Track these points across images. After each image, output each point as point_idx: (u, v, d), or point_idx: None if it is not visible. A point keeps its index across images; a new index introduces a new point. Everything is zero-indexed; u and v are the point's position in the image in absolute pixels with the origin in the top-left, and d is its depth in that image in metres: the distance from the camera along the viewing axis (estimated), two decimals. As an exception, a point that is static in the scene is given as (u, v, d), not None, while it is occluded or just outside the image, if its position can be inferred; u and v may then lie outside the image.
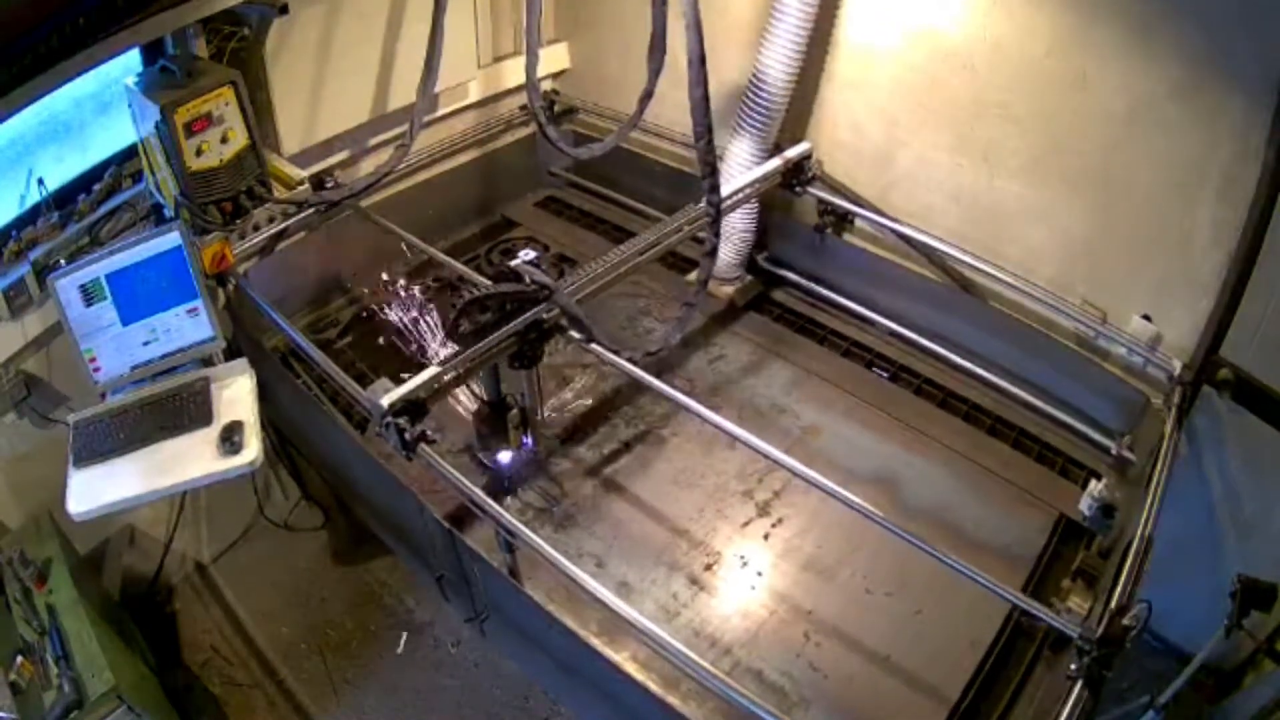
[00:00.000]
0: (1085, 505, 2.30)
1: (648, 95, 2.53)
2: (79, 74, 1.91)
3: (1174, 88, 2.22)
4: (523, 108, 3.58)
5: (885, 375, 2.94)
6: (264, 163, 2.47)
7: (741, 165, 2.89)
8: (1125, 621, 1.68)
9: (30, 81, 1.78)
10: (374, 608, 3.25)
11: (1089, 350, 2.68)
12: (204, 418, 2.23)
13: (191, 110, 2.21)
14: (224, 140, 2.31)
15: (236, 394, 2.31)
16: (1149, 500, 2.05)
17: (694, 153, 2.15)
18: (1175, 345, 2.49)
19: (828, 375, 2.92)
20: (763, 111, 2.75)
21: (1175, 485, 2.15)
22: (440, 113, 3.32)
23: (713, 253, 2.41)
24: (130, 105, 2.29)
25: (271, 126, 2.72)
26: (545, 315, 2.28)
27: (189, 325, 2.35)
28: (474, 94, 3.41)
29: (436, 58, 2.67)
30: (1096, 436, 2.62)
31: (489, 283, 2.32)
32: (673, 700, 1.85)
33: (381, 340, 3.03)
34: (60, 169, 2.43)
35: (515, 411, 2.44)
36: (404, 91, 2.93)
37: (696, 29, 1.94)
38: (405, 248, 3.05)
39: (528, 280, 2.26)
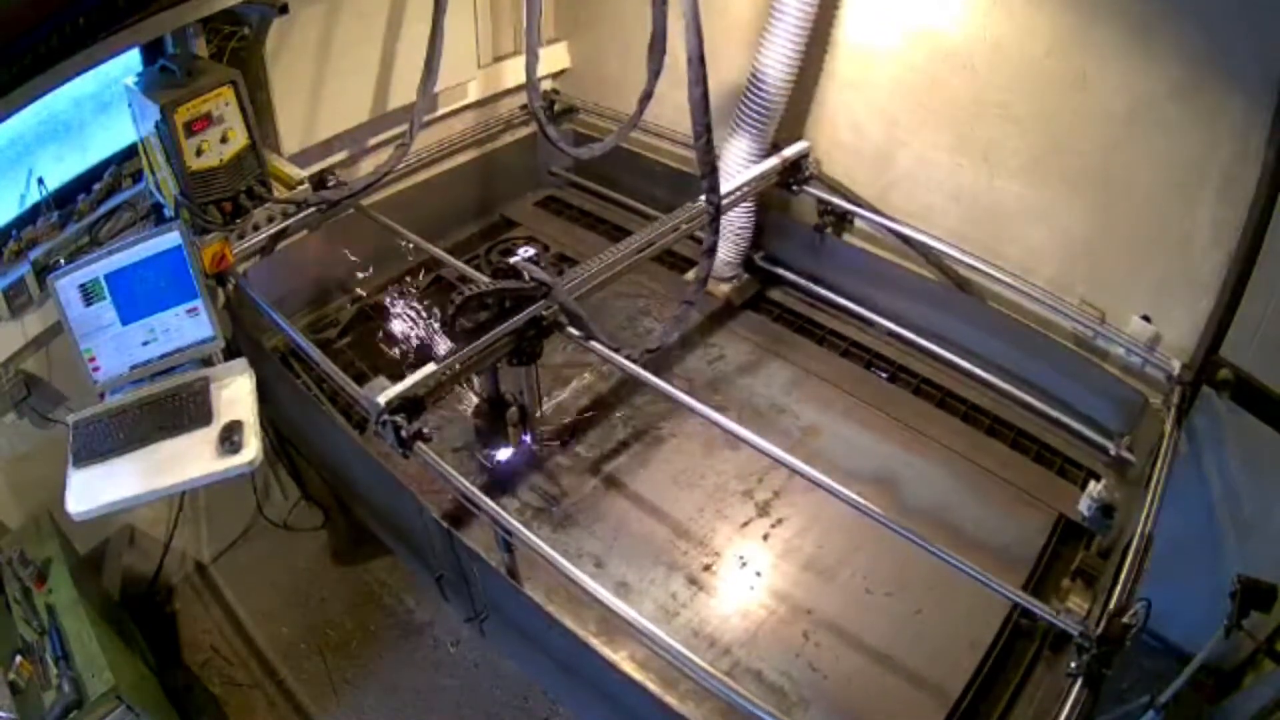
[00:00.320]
0: (1084, 505, 2.30)
1: (648, 95, 2.53)
2: (79, 74, 1.91)
3: (1174, 88, 2.22)
4: (523, 107, 3.58)
5: (884, 375, 2.94)
6: (264, 162, 2.47)
7: (739, 164, 2.89)
8: (1125, 620, 1.68)
9: (30, 81, 1.78)
10: (374, 608, 3.25)
11: (1088, 350, 2.68)
12: (203, 417, 2.23)
13: (191, 110, 2.21)
14: (224, 140, 2.31)
15: (236, 394, 2.31)
16: (1148, 500, 2.05)
17: (694, 152, 2.15)
18: (1175, 345, 2.49)
19: (827, 375, 2.92)
20: (761, 110, 2.75)
21: (1175, 485, 2.15)
22: (440, 112, 3.32)
23: (711, 251, 2.41)
24: (130, 105, 2.29)
25: (271, 126, 2.72)
26: (544, 312, 2.29)
27: (188, 325, 2.35)
28: (474, 94, 3.41)
29: (436, 58, 2.67)
30: (1096, 437, 2.62)
31: (488, 280, 2.32)
32: (671, 700, 1.85)
33: (382, 340, 3.03)
34: (60, 169, 2.43)
35: (514, 409, 2.44)
36: (404, 91, 2.93)
37: (696, 28, 1.94)
38: (407, 246, 3.05)
39: (527, 277, 2.26)
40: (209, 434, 2.19)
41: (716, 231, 2.37)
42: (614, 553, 2.36)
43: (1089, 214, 2.54)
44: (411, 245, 2.96)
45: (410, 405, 2.08)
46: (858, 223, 3.01)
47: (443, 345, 2.77)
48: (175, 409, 2.25)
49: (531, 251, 2.33)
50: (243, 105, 2.31)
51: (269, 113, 2.69)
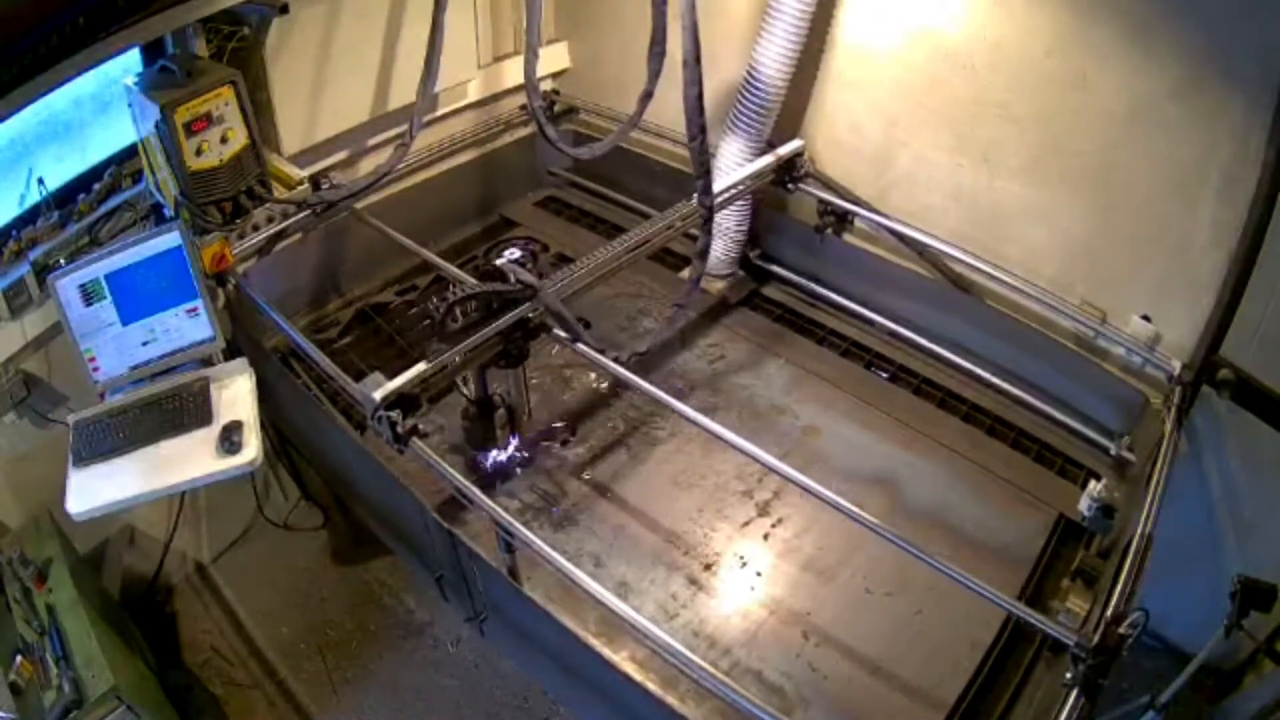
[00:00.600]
0: (1085, 506, 2.30)
1: (647, 95, 2.53)
2: (79, 74, 1.90)
3: (1174, 88, 2.22)
4: (522, 107, 3.57)
5: (885, 375, 2.94)
6: (264, 162, 2.47)
7: (734, 162, 2.89)
8: (1121, 630, 1.68)
9: (30, 81, 1.78)
10: (374, 608, 3.25)
11: (1089, 350, 2.68)
12: (203, 418, 2.23)
13: (191, 110, 2.21)
14: (224, 140, 2.31)
15: (236, 394, 2.31)
16: (1148, 500, 2.05)
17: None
18: (1175, 345, 2.49)
19: (827, 375, 2.92)
20: (757, 109, 2.76)
21: (1175, 485, 2.15)
22: (440, 112, 3.32)
23: (704, 253, 2.41)
24: (130, 105, 2.29)
25: (271, 126, 2.72)
26: (530, 315, 2.29)
27: (188, 325, 2.35)
28: (474, 94, 3.41)
29: (436, 58, 2.67)
30: (1096, 437, 2.62)
31: (475, 282, 2.33)
32: (671, 700, 1.85)
33: (381, 339, 3.03)
34: (60, 169, 2.43)
35: (501, 411, 2.44)
36: (404, 91, 2.93)
37: (693, 29, 1.94)
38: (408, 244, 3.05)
39: (512, 279, 2.26)
40: (209, 434, 2.19)
41: (709, 233, 2.37)
42: (614, 553, 2.36)
43: (1089, 214, 2.54)
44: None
45: (405, 401, 2.08)
46: (857, 222, 3.00)
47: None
48: (175, 409, 2.25)
49: (518, 253, 2.33)
50: (243, 105, 2.31)
51: (269, 113, 2.69)
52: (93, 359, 2.27)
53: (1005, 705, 2.04)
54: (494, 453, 2.54)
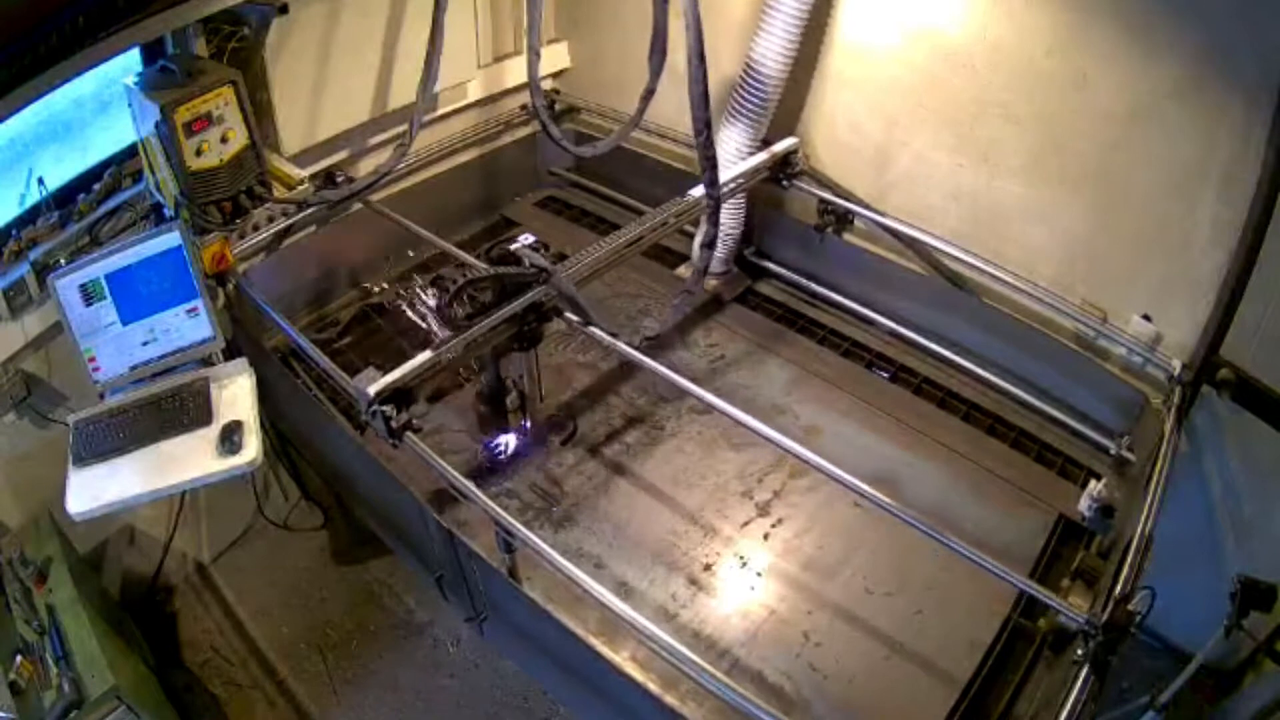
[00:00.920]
0: (1085, 505, 2.30)
1: (649, 93, 2.53)
2: (79, 74, 1.90)
3: (1174, 87, 2.22)
4: (523, 107, 3.58)
5: (885, 375, 2.94)
6: (264, 162, 2.47)
7: (731, 158, 2.89)
8: (1130, 607, 1.68)
9: (30, 81, 1.78)
10: (374, 608, 3.25)
11: (1089, 350, 2.68)
12: (203, 418, 2.23)
13: (191, 110, 2.21)
14: (224, 140, 2.31)
15: (236, 394, 2.31)
16: (1148, 500, 2.05)
17: (694, 151, 2.15)
18: (1175, 345, 2.49)
19: (827, 375, 2.92)
20: (755, 105, 2.76)
21: (1175, 485, 2.15)
22: (440, 112, 3.32)
23: (712, 244, 2.42)
24: (130, 105, 2.29)
25: (272, 126, 2.72)
26: (543, 298, 2.29)
27: (189, 325, 2.35)
28: (474, 93, 3.41)
29: (436, 57, 2.67)
30: (1096, 436, 2.62)
31: (485, 266, 2.33)
32: (672, 700, 1.85)
33: (383, 338, 3.03)
34: (60, 169, 2.43)
35: (514, 395, 2.46)
36: (404, 91, 2.93)
37: (696, 28, 1.94)
38: (410, 243, 3.05)
39: (526, 263, 2.27)
40: (209, 434, 2.19)
41: (716, 225, 2.38)
42: (614, 553, 2.36)
43: (1089, 214, 2.54)
44: (414, 243, 2.96)
45: (400, 396, 2.08)
46: (857, 222, 3.00)
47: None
48: (175, 409, 2.25)
49: (532, 239, 2.34)
50: (243, 105, 2.30)
51: (269, 113, 2.69)
52: (93, 359, 2.27)
53: (1005, 704, 2.04)
54: (505, 437, 2.54)
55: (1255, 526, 2.57)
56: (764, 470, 2.56)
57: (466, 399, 2.72)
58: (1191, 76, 2.18)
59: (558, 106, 3.63)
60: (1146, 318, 2.53)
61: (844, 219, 3.01)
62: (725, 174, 2.79)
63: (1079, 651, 1.74)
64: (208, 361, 2.42)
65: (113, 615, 2.66)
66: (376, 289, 3.18)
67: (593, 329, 2.35)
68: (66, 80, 1.89)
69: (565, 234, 3.57)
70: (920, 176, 2.84)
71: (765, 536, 2.41)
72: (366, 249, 3.21)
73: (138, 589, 3.09)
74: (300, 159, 2.83)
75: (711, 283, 3.23)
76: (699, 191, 2.57)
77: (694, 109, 2.04)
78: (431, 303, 2.37)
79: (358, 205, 2.95)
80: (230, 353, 2.48)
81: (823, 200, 2.98)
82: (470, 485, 2.05)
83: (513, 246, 2.32)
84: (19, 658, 2.13)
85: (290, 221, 2.71)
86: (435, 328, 2.31)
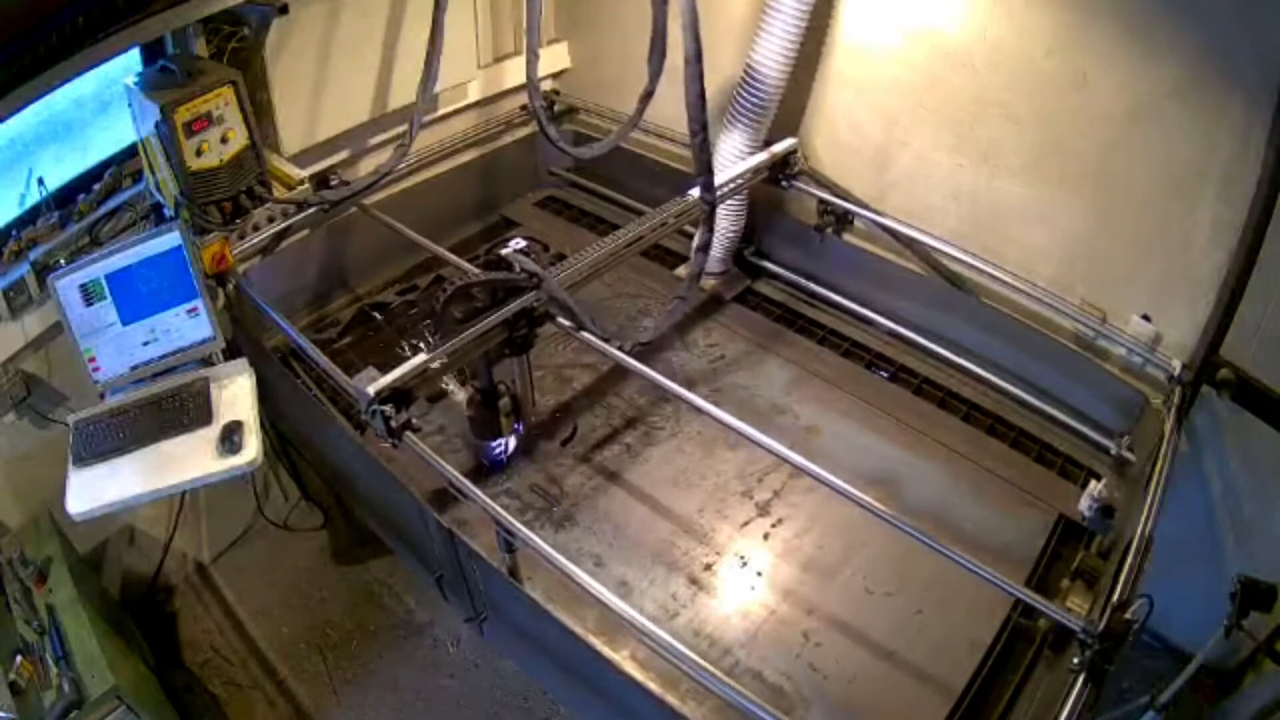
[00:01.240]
0: (1085, 506, 2.30)
1: (648, 95, 2.53)
2: (79, 74, 1.90)
3: (1174, 88, 2.22)
4: (523, 107, 3.58)
5: (885, 375, 2.94)
6: (264, 162, 2.47)
7: (731, 159, 2.89)
8: (1127, 615, 1.68)
9: (30, 81, 1.78)
10: (374, 608, 3.25)
11: (1089, 350, 2.68)
12: (204, 418, 2.23)
13: (191, 110, 2.21)
14: (224, 140, 2.31)
15: (236, 394, 2.31)
16: (1148, 500, 2.04)
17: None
18: (1175, 345, 2.49)
19: (827, 375, 2.92)
20: (755, 106, 2.76)
21: (1175, 485, 2.15)
22: (440, 112, 3.32)
23: (705, 248, 2.41)
24: (130, 105, 2.29)
25: (271, 126, 2.72)
26: (534, 303, 2.29)
27: (189, 325, 2.35)
28: (474, 94, 3.41)
29: (436, 58, 2.67)
30: (1096, 436, 2.62)
31: (478, 271, 2.33)
32: (672, 700, 1.85)
33: (383, 338, 3.03)
34: (60, 169, 2.43)
35: (506, 399, 2.45)
36: (404, 91, 2.93)
37: (693, 29, 1.94)
38: (408, 245, 3.05)
39: (517, 268, 2.27)
40: (209, 434, 2.19)
41: (711, 229, 2.38)
42: (614, 552, 2.36)
43: (1089, 214, 2.54)
44: (411, 246, 2.96)
45: (399, 395, 2.08)
46: (857, 222, 3.01)
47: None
48: (175, 409, 2.25)
49: (523, 243, 2.34)
50: (243, 105, 2.30)
51: (269, 113, 2.69)
52: (93, 359, 2.27)
53: (1006, 704, 2.04)
54: (499, 442, 2.54)
55: (1255, 526, 2.57)
56: (764, 470, 2.56)
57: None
58: (1191, 77, 2.18)
59: (557, 107, 3.63)
60: (1146, 318, 2.53)
61: (844, 219, 3.01)
62: (723, 175, 2.80)
63: (1075, 660, 1.74)
64: (208, 361, 2.42)
65: (113, 615, 2.66)
66: (369, 302, 3.19)
67: (585, 334, 2.34)
68: (66, 80, 1.89)
69: (565, 234, 3.57)
70: (920, 176, 2.84)
71: (765, 536, 2.41)
72: (368, 249, 3.21)
73: (138, 589, 3.09)
74: (300, 159, 2.83)
75: (711, 282, 3.23)
76: (698, 192, 2.57)
77: (690, 111, 2.04)
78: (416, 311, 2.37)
79: (356, 207, 2.95)
80: (230, 353, 2.48)
81: (822, 200, 2.98)
82: (470, 485, 2.06)
83: (503, 251, 2.31)
84: (19, 658, 2.13)
85: (290, 222, 2.71)
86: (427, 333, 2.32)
